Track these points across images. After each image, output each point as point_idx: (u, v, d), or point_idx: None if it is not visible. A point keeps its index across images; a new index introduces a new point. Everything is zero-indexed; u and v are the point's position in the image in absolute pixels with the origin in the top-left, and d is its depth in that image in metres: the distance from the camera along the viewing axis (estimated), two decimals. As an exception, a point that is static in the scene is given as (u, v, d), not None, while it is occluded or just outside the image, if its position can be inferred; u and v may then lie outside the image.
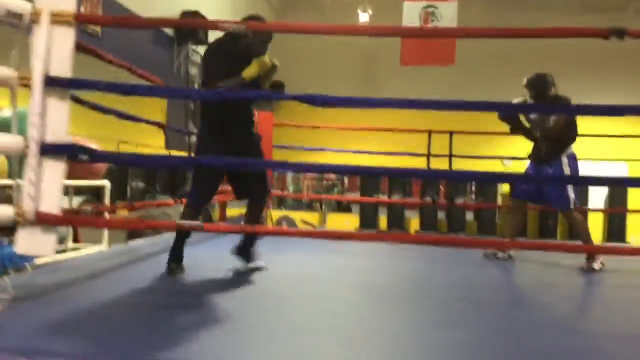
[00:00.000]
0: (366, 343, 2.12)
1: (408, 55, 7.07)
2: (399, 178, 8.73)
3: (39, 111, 2.18)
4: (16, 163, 2.25)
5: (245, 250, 3.33)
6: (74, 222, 2.60)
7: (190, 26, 2.81)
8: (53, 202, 2.21)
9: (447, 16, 6.88)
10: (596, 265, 4.01)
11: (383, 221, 9.03)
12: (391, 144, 8.52)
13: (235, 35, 3.01)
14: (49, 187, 2.20)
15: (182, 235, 3.18)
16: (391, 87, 12.68)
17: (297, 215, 9.89)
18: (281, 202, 11.39)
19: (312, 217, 10.02)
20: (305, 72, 12.90)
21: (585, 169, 4.27)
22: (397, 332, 2.29)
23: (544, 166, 4.28)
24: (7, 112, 4.66)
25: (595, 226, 8.98)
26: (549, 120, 4.21)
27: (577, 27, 2.53)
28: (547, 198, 4.30)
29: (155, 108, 6.81)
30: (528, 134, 4.48)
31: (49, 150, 2.18)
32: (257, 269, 3.34)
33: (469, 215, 9.08)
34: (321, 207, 11.06)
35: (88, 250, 4.44)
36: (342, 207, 11.42)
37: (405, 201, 8.88)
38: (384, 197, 9.08)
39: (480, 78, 12.57)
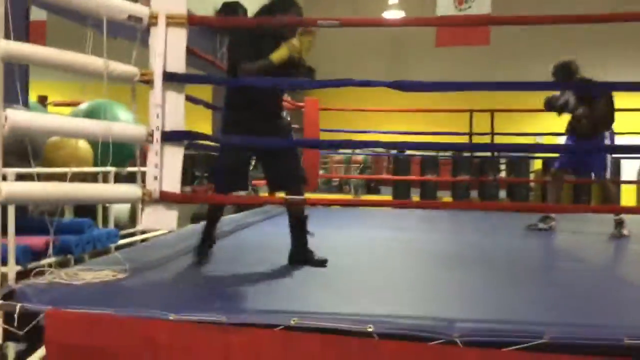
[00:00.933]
0: (437, 298, 2.42)
1: (443, 37, 7.23)
2: (430, 160, 9.01)
3: (160, 103, 2.48)
4: (136, 150, 2.55)
5: (302, 255, 3.01)
6: (193, 200, 2.91)
7: (289, 24, 3.02)
8: (174, 182, 2.52)
9: (482, 0, 7.05)
10: (625, 232, 4.38)
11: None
12: (426, 124, 8.75)
13: (268, 13, 3.05)
14: (169, 169, 2.51)
15: (213, 219, 3.15)
16: (422, 67, 12.82)
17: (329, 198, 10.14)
18: (312, 185, 11.63)
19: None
20: (335, 53, 13.00)
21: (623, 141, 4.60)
22: (463, 288, 2.59)
23: (585, 140, 4.56)
24: (84, 105, 4.97)
25: (629, 198, 9.17)
26: (586, 109, 4.50)
27: None
28: (589, 167, 4.70)
29: (201, 94, 7.14)
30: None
31: (169, 137, 2.49)
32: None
33: (502, 194, 9.29)
34: (350, 189, 11.31)
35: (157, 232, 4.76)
36: (372, 190, 11.64)
37: (439, 179, 9.12)
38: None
39: (512, 55, 12.67)
